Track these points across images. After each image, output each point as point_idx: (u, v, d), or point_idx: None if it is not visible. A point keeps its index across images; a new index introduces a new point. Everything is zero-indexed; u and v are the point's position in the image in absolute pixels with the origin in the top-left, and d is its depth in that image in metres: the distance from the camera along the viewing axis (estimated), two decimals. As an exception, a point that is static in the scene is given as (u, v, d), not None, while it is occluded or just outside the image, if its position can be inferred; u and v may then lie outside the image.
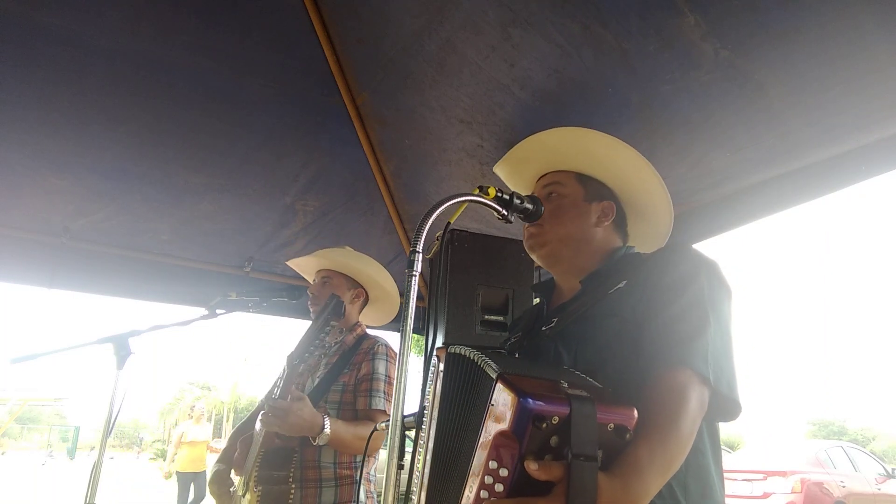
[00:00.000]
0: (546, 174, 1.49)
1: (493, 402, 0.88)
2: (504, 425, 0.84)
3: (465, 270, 2.67)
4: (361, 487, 2.03)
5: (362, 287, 2.30)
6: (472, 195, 1.19)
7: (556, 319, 1.30)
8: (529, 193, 1.48)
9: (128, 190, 2.68)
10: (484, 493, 0.83)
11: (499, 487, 0.84)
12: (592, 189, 1.42)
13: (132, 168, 2.61)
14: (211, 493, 2.10)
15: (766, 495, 8.09)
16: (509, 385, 0.86)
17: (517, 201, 1.26)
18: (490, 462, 0.85)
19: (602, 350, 1.17)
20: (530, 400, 0.83)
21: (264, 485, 1.91)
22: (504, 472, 0.84)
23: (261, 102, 2.48)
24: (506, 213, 1.26)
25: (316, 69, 2.41)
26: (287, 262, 2.46)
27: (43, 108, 2.32)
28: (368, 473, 2.11)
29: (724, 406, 1.12)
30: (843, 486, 8.49)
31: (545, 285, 1.48)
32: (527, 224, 1.38)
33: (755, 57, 1.66)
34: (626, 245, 1.43)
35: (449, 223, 1.22)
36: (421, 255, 1.09)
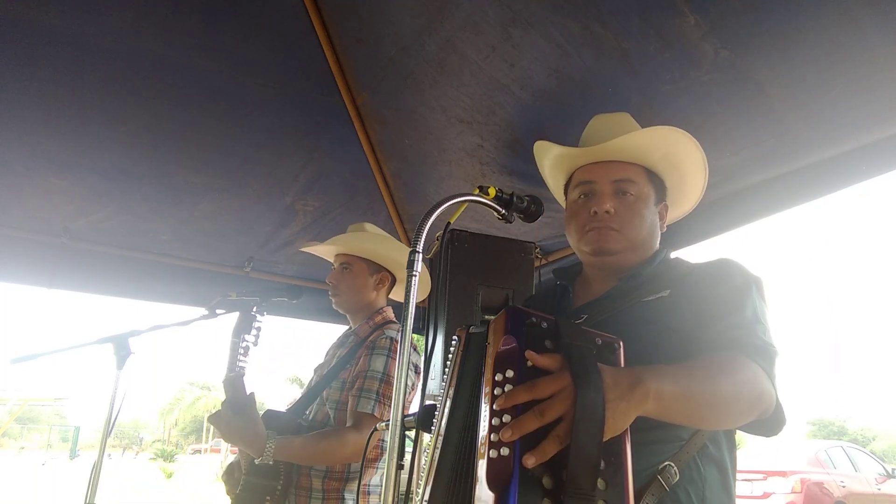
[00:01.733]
0: (604, 162, 1.32)
1: (489, 340, 0.93)
2: (500, 337, 0.89)
3: (465, 270, 2.67)
4: (352, 502, 1.88)
5: (387, 270, 2.14)
6: (472, 195, 1.19)
7: (585, 316, 1.24)
8: (568, 176, 1.39)
9: (128, 190, 2.68)
10: (497, 405, 0.83)
11: (508, 388, 0.84)
12: (659, 189, 1.35)
13: (132, 168, 2.61)
14: (223, 482, 2.03)
15: (766, 495, 8.10)
16: (498, 315, 0.94)
17: (517, 201, 1.25)
18: (496, 375, 0.86)
19: (646, 353, 1.09)
20: (518, 307, 0.93)
21: (243, 491, 1.84)
22: (510, 374, 0.85)
23: (261, 102, 2.47)
24: (506, 213, 1.25)
25: (316, 69, 2.41)
26: (302, 249, 2.35)
27: (43, 108, 2.32)
28: (366, 485, 1.91)
29: (776, 417, 1.08)
30: (843, 486, 8.50)
31: (569, 272, 1.42)
32: (594, 224, 1.27)
33: (755, 57, 1.66)
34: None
35: (449, 223, 1.22)
36: (421, 255, 1.09)
